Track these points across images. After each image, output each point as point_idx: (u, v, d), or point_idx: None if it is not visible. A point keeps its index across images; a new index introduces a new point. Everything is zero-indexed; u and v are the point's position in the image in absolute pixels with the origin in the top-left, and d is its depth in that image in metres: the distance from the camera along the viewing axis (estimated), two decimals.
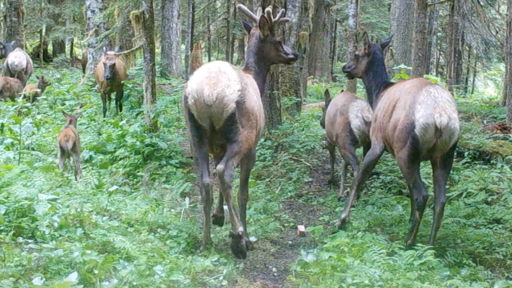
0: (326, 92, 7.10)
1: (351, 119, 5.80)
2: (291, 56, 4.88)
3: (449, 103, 4.07)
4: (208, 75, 3.88)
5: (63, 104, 10.37)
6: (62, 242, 3.39)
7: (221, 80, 3.85)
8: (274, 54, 4.76)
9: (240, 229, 3.96)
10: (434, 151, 4.12)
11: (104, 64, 9.14)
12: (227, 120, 3.83)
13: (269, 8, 4.68)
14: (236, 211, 4.11)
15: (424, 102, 4.02)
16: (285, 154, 7.27)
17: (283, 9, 5.03)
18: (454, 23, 14.66)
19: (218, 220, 4.68)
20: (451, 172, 6.21)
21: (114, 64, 9.11)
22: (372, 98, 5.11)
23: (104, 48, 9.83)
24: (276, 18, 4.73)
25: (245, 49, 5.11)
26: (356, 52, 5.33)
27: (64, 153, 5.95)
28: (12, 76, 10.78)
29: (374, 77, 5.09)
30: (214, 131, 3.95)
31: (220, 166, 3.91)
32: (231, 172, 3.96)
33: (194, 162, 4.31)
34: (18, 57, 11.11)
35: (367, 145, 5.69)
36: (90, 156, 6.93)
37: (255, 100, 4.17)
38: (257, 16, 4.73)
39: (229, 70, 3.97)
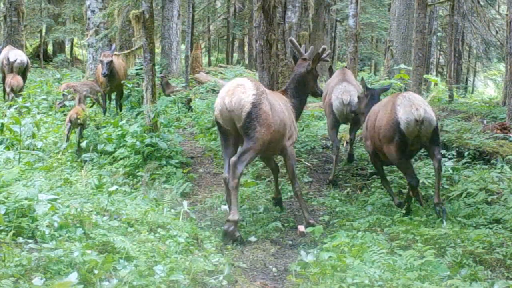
0: (330, 68, 7.72)
1: (332, 101, 6.59)
2: (319, 92, 5.84)
3: (422, 101, 5.01)
4: (228, 90, 4.71)
5: (63, 105, 10.36)
6: (62, 242, 3.38)
7: (238, 90, 4.67)
8: (312, 85, 5.65)
9: (236, 217, 4.59)
10: (420, 139, 4.95)
11: (101, 61, 9.13)
12: (245, 118, 4.58)
13: (324, 47, 5.71)
14: (237, 201, 4.71)
15: (402, 104, 4.91)
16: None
17: (329, 51, 5.93)
18: (454, 23, 14.64)
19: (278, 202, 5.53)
20: (451, 172, 6.24)
21: (111, 61, 9.10)
22: None
23: (100, 46, 9.83)
24: (324, 55, 5.66)
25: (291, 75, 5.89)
26: (359, 95, 6.25)
27: (71, 128, 7.31)
28: (12, 72, 10.82)
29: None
30: (238, 131, 4.71)
31: (233, 158, 4.61)
32: (242, 168, 4.61)
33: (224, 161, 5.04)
34: (18, 55, 11.14)
35: (351, 123, 6.81)
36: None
37: (275, 109, 4.89)
38: (303, 50, 5.70)
39: (246, 83, 4.75)
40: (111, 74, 9.25)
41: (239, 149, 4.70)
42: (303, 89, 5.58)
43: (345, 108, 6.51)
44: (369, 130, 5.53)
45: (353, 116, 6.59)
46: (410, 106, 4.83)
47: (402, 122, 4.83)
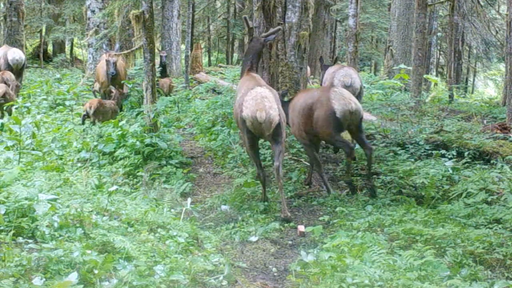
0: (321, 58, 8.17)
1: (335, 84, 7.27)
2: None
3: (350, 95, 6.03)
4: (256, 102, 5.37)
5: (63, 105, 10.36)
6: (62, 242, 3.38)
7: (265, 104, 5.36)
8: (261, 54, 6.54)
9: (288, 214, 5.36)
10: (351, 125, 5.95)
11: (108, 61, 9.13)
12: (275, 128, 5.39)
13: (280, 27, 6.67)
14: (285, 198, 5.45)
15: (336, 98, 5.86)
16: (285, 154, 7.27)
17: (279, 27, 6.76)
18: (454, 23, 14.64)
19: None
20: (452, 172, 6.25)
21: (117, 61, 9.16)
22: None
23: (104, 46, 9.83)
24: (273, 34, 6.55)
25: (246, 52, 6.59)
26: None
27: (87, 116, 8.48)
28: (11, 71, 10.83)
29: None
30: (263, 137, 5.56)
31: (276, 164, 5.44)
32: (281, 167, 5.49)
33: (250, 158, 5.96)
34: (16, 53, 11.15)
35: None
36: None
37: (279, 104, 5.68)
38: (253, 24, 6.69)
39: (268, 94, 5.49)
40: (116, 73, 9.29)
41: (276, 157, 5.50)
42: (258, 63, 6.38)
43: (347, 90, 7.04)
44: (302, 123, 6.19)
45: None
46: (344, 100, 5.83)
47: (338, 112, 5.79)
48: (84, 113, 8.59)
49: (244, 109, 5.41)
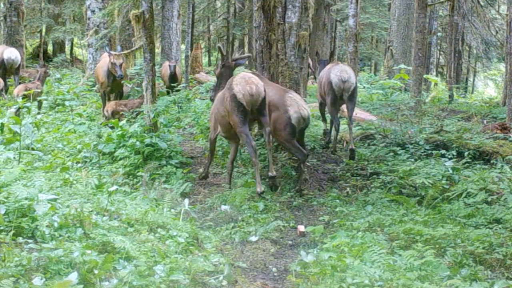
0: (317, 53, 8.43)
1: (332, 79, 7.46)
2: None
3: (302, 101, 6.52)
4: (245, 81, 6.06)
5: (63, 105, 10.36)
6: (62, 242, 3.38)
7: (253, 81, 6.08)
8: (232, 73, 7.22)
9: (274, 173, 6.12)
10: (301, 131, 6.47)
11: (114, 63, 9.12)
12: (261, 100, 6.06)
13: (249, 55, 8.11)
14: (272, 158, 6.16)
15: (291, 105, 6.30)
16: (285, 154, 7.26)
17: (249, 55, 8.22)
18: (454, 23, 14.64)
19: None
20: (452, 172, 6.25)
21: (122, 63, 9.16)
22: None
23: (107, 48, 9.83)
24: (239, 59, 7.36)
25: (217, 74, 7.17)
26: (211, 87, 7.48)
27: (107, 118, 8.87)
28: (5, 70, 10.86)
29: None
30: (253, 111, 6.07)
31: (267, 129, 6.09)
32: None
33: (242, 138, 6.10)
34: (13, 53, 11.17)
35: (347, 101, 7.48)
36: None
37: None
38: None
39: (252, 76, 6.24)
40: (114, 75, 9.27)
41: (264, 126, 6.12)
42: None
43: (343, 84, 7.38)
44: None
45: (349, 94, 7.42)
46: (298, 107, 6.28)
47: (293, 119, 6.25)
48: (105, 116, 9.02)
49: (234, 87, 6.01)
